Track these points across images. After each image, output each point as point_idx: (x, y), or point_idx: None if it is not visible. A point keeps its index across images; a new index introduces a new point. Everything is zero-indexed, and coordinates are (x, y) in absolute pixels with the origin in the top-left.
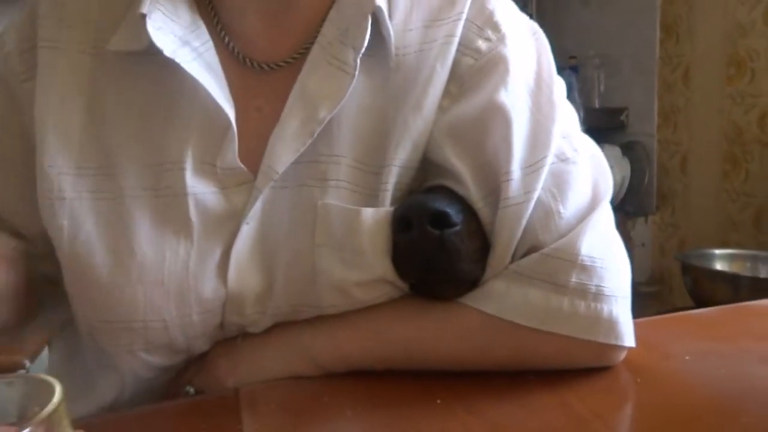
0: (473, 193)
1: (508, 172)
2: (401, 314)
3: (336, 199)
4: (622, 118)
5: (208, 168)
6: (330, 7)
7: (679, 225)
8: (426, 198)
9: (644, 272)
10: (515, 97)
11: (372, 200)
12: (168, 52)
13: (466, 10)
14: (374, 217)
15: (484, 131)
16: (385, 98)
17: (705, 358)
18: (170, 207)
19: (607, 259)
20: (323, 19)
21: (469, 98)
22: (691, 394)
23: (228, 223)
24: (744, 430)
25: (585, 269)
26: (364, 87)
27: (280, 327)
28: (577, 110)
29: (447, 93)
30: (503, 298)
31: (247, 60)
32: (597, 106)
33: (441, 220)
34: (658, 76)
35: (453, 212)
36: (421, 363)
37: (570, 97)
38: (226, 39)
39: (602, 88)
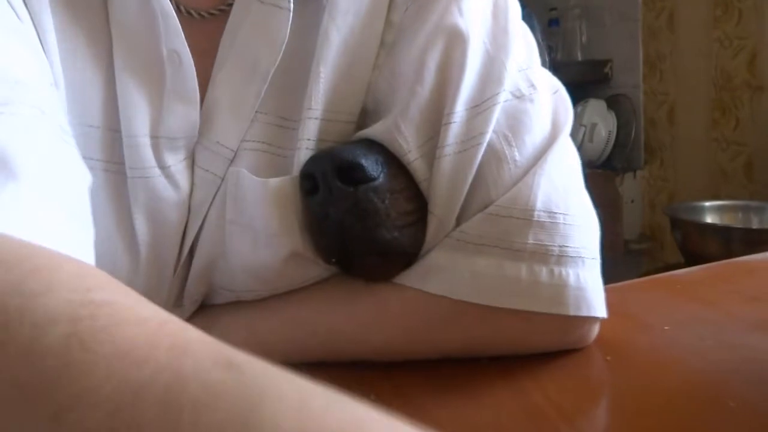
0: (405, 141)
1: (450, 114)
2: (328, 299)
3: (250, 163)
4: (606, 70)
5: (152, 142)
6: None
7: (669, 178)
8: (335, 149)
9: (634, 229)
10: (470, 21)
11: (288, 160)
12: None
13: None
14: (281, 185)
15: (427, 60)
16: (311, 38)
17: (686, 327)
18: (117, 186)
19: (570, 210)
20: None
21: (414, 26)
22: (668, 373)
23: (176, 212)
24: (730, 417)
25: (543, 227)
26: (290, 27)
27: (198, 314)
28: (560, 65)
29: (389, 25)
30: (447, 272)
31: (173, 3)
32: (579, 59)
33: (353, 173)
34: (642, 23)
35: (370, 162)
36: (353, 354)
37: (552, 52)
38: None
39: (584, 39)
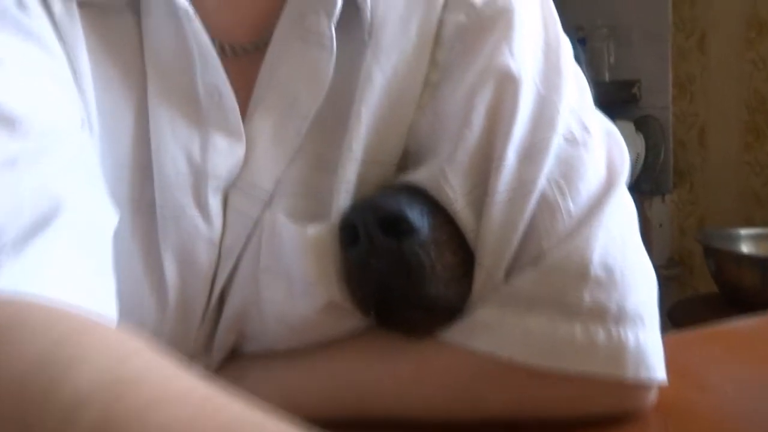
0: (452, 189)
1: (500, 159)
2: (365, 353)
3: (287, 208)
4: (635, 90)
5: (190, 181)
6: None
7: (699, 202)
8: (377, 198)
9: (663, 254)
10: (521, 61)
11: (326, 204)
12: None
13: None
14: (320, 233)
15: (476, 103)
16: (352, 77)
17: (751, 388)
18: (147, 225)
19: (629, 264)
20: None
21: (461, 65)
22: None
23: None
24: None
25: (600, 283)
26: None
27: (227, 363)
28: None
29: (434, 64)
30: (495, 329)
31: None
32: (607, 79)
33: (396, 225)
34: (672, 44)
35: (414, 214)
36: (389, 413)
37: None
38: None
39: (612, 59)
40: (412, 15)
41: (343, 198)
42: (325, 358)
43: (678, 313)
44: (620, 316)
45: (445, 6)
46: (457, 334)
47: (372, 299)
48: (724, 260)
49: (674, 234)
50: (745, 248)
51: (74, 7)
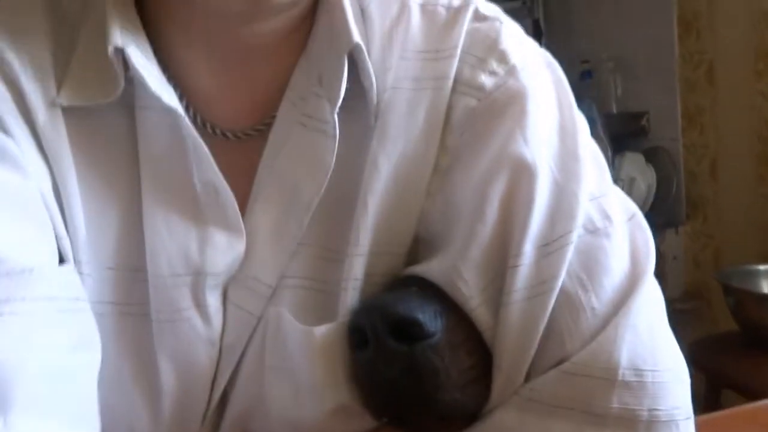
0: (466, 286)
1: (517, 255)
2: None
3: (291, 303)
4: (643, 122)
5: (190, 281)
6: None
7: (713, 235)
8: (387, 299)
9: (678, 288)
10: (537, 148)
11: (332, 299)
12: (166, 99)
13: (461, 41)
14: (327, 334)
15: (489, 194)
16: (357, 163)
17: None
18: (136, 330)
19: (659, 365)
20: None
21: (473, 152)
22: None
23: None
24: None
25: (630, 388)
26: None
27: None
28: (594, 118)
29: (443, 149)
30: None
31: (208, 125)
32: (614, 111)
33: (408, 329)
34: (679, 76)
35: (426, 317)
36: None
37: (583, 106)
38: (181, 96)
39: (619, 92)
40: (420, 98)
41: (351, 295)
42: None
43: (698, 352)
44: (652, 423)
45: (454, 89)
46: None
47: (383, 405)
48: (745, 300)
49: (689, 267)
50: (766, 286)
51: (59, 113)
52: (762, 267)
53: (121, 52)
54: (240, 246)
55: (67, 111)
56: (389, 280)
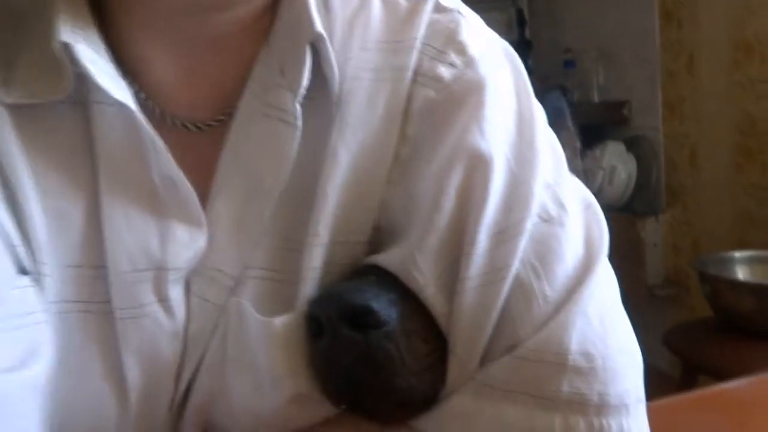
0: (421, 273)
1: (471, 243)
2: None
3: (253, 294)
4: (624, 111)
5: (152, 276)
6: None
7: (693, 222)
8: (343, 288)
9: (658, 274)
10: (493, 139)
11: (292, 290)
12: (116, 93)
13: (420, 32)
14: (286, 325)
15: (444, 186)
16: (318, 153)
17: None
18: (82, 326)
19: (610, 350)
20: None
21: (431, 143)
22: None
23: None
24: None
25: (580, 372)
26: (297, 143)
27: None
28: (563, 107)
29: (403, 139)
30: (471, 420)
31: (168, 117)
32: (596, 100)
33: (363, 318)
34: (661, 66)
35: (381, 305)
36: None
37: (552, 96)
38: (138, 90)
39: (601, 80)
40: (380, 88)
41: (309, 286)
42: None
43: (674, 338)
44: (602, 407)
45: (413, 80)
46: (432, 424)
47: (341, 392)
48: (719, 287)
49: (669, 254)
50: (741, 272)
51: (5, 112)
52: (738, 254)
53: (68, 48)
54: (201, 239)
55: (16, 111)
56: (348, 270)
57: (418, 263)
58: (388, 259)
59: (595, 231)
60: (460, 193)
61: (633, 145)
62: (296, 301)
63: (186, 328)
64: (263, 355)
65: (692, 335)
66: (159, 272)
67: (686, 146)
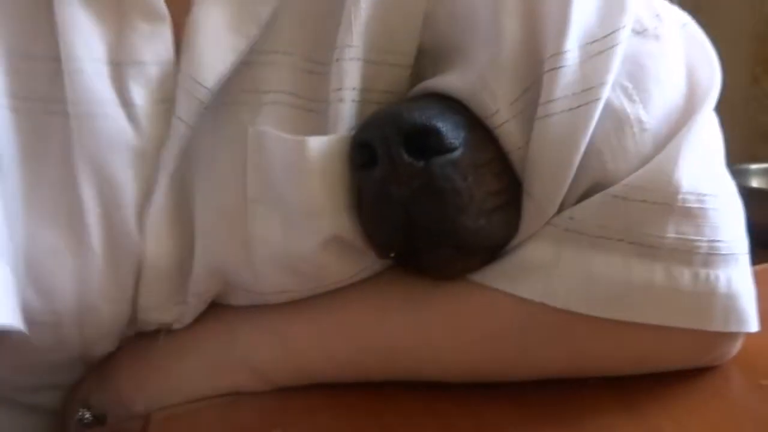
0: (492, 95)
1: (558, 55)
2: (384, 302)
3: (274, 121)
4: None
5: (110, 70)
6: None
7: None
8: (400, 107)
9: None
10: None
11: (322, 120)
12: None
13: None
14: (324, 147)
15: None
16: None
17: None
18: (47, 130)
19: (721, 194)
20: None
21: None
22: None
23: (137, 167)
24: None
25: (689, 214)
26: None
27: (209, 320)
28: None
29: None
30: (550, 272)
31: None
32: None
33: (426, 142)
34: None
35: (447, 128)
36: (418, 375)
37: None
38: None
39: None
40: None
41: (348, 107)
42: (335, 310)
43: None
44: (711, 256)
45: None
46: (500, 277)
47: (394, 238)
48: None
49: None
50: (755, 184)
51: None
52: (753, 165)
53: None
54: (165, 32)
55: None
56: (393, 100)
57: (488, 84)
58: (446, 82)
59: (699, 58)
60: None
61: None
62: (326, 127)
63: (158, 149)
64: (293, 186)
65: None
66: (118, 67)
67: None
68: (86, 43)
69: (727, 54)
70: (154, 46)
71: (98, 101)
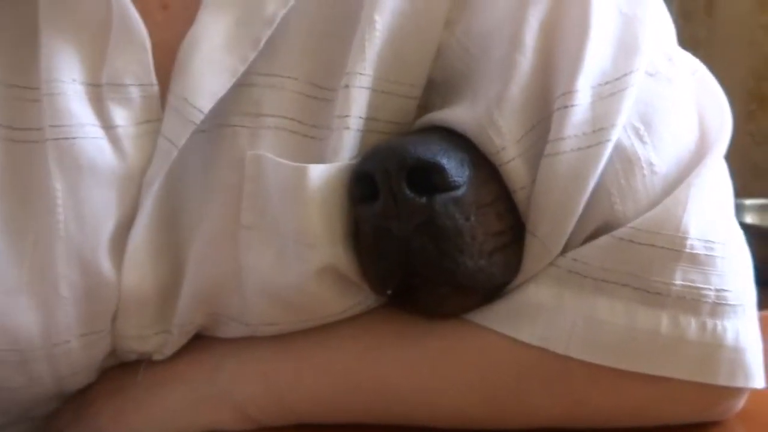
0: (498, 132)
1: (569, 93)
2: (376, 340)
3: (273, 146)
4: None
5: (89, 91)
6: None
7: None
8: (404, 141)
9: None
10: None
11: (323, 148)
12: None
13: None
14: (324, 175)
15: (527, 16)
16: None
17: None
18: (27, 160)
19: (729, 242)
20: None
21: None
22: None
23: (118, 190)
24: None
25: (697, 261)
26: None
27: (193, 351)
28: None
29: None
30: (550, 315)
31: None
32: None
33: (429, 178)
34: (678, 4)
35: (452, 164)
36: (409, 419)
37: None
38: None
39: None
40: None
41: (352, 136)
42: (324, 347)
43: None
44: (718, 306)
45: None
46: (499, 319)
47: (392, 274)
48: None
49: None
50: (750, 220)
51: None
52: (747, 201)
53: None
54: (145, 54)
55: None
56: (398, 131)
57: (495, 120)
58: (454, 116)
59: (710, 105)
60: (548, 26)
61: None
62: (330, 156)
63: (143, 171)
64: (289, 214)
65: None
66: (97, 88)
67: None
68: (66, 66)
69: (724, 90)
70: (135, 66)
71: (77, 123)
